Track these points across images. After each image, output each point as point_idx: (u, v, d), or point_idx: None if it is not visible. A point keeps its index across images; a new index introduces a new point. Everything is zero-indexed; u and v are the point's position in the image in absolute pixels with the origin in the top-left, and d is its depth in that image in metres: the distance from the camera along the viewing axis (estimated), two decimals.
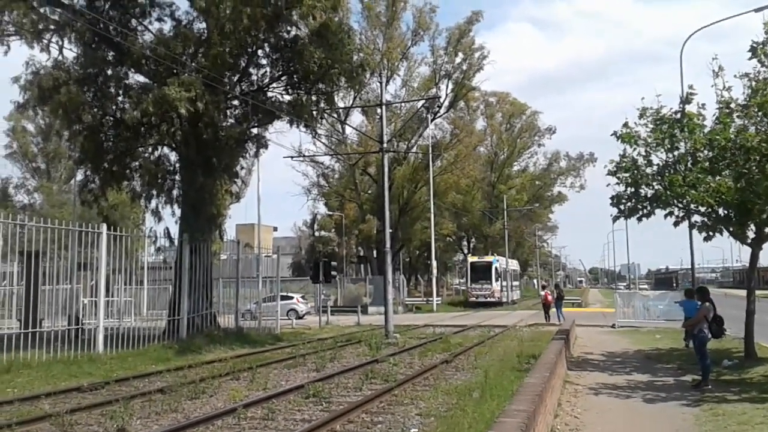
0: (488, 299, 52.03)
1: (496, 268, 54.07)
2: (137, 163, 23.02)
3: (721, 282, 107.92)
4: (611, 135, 15.40)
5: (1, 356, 14.38)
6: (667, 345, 18.97)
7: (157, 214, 23.67)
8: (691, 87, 15.35)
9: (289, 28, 22.50)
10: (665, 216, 15.44)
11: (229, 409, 9.97)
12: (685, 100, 15.39)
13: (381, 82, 30.95)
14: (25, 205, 55.41)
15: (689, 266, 26.98)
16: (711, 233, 14.94)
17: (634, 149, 15.26)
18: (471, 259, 58.57)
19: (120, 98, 21.74)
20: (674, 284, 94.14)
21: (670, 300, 25.61)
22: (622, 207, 15.64)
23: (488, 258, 56.88)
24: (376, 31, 52.16)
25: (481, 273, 53.56)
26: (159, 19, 22.59)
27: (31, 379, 13.50)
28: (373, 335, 22.81)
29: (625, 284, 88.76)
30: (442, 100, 53.61)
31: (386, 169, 26.31)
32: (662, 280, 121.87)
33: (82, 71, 20.96)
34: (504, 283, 57.61)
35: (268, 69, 23.63)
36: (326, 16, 21.27)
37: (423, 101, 47.81)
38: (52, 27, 20.72)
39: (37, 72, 20.73)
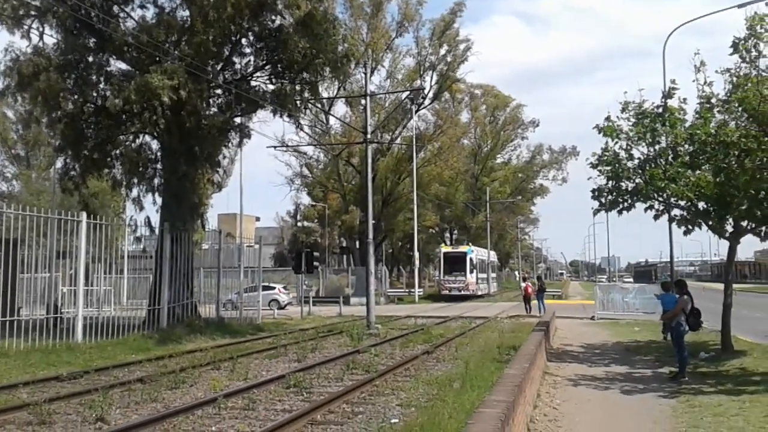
0: (462, 292, 49.23)
1: (470, 259, 50.55)
2: (118, 151, 22.77)
3: (700, 275, 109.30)
4: (593, 128, 15.50)
5: None
6: (646, 337, 19.18)
7: (138, 203, 23.44)
8: (673, 82, 15.48)
9: (273, 17, 22.34)
10: (645, 209, 15.56)
11: (210, 399, 9.95)
12: (667, 94, 15.51)
13: (365, 73, 30.82)
14: (2, 192, 54.67)
15: (668, 259, 27.24)
16: (690, 227, 15.09)
17: (616, 143, 15.36)
18: (444, 249, 54.11)
19: (101, 85, 21.46)
20: (653, 277, 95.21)
21: (649, 292, 25.87)
22: (602, 200, 15.76)
23: (462, 248, 53.71)
24: (360, 21, 51.95)
25: (455, 264, 50.04)
26: (141, 6, 22.31)
27: (9, 368, 13.37)
28: (355, 326, 22.87)
29: (605, 277, 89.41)
30: (426, 91, 53.71)
31: (369, 160, 26.29)
32: (642, 273, 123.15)
33: (62, 58, 20.64)
34: (480, 275, 54.42)
35: (251, 58, 23.48)
36: (311, 6, 21.14)
37: (407, 93, 47.70)
38: (33, 13, 20.39)
39: (16, 58, 20.38)
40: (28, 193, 49.27)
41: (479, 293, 52.28)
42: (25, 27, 20.33)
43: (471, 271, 50.22)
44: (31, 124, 24.25)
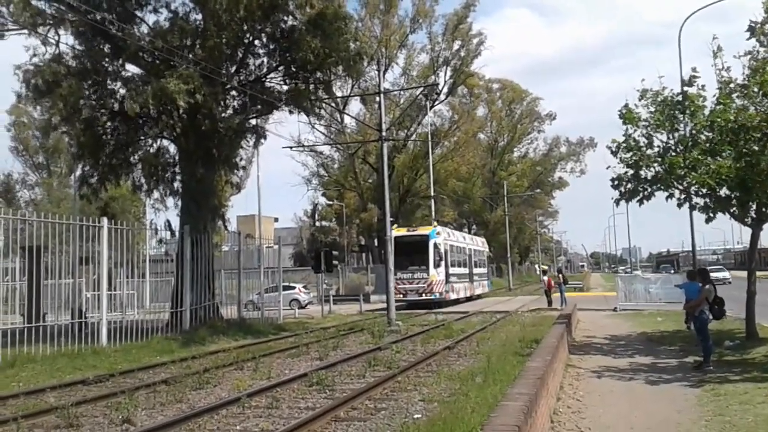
0: (423, 296, 33.04)
1: (435, 246, 33.66)
2: (137, 156, 23.02)
3: (723, 264, 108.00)
4: (617, 112, 15.38)
5: (5, 351, 14.42)
6: (670, 327, 19.00)
7: (158, 207, 23.72)
8: (694, 69, 15.29)
9: (285, 18, 22.40)
10: (666, 198, 15.44)
11: (234, 399, 10.02)
12: (688, 82, 15.33)
13: (379, 71, 30.84)
14: (26, 200, 55.54)
15: (690, 249, 26.97)
16: (712, 214, 14.94)
17: (635, 130, 15.25)
18: (396, 231, 32.27)
19: (118, 91, 21.68)
20: (675, 267, 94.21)
21: (669, 281, 25.63)
22: (623, 189, 15.64)
23: (423, 230, 36.13)
24: (374, 19, 51.98)
25: (411, 254, 33.14)
26: (155, 11, 22.52)
27: (36, 373, 13.55)
28: (376, 323, 22.88)
29: (624, 268, 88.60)
30: (440, 87, 53.58)
31: (385, 158, 26.28)
32: (663, 263, 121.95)
33: (79, 65, 20.89)
34: (455, 271, 37.20)
35: (265, 59, 23.56)
36: (322, 5, 21.17)
37: (421, 89, 47.55)
38: (49, 21, 20.63)
39: (38, 64, 20.59)
40: (49, 201, 49.94)
41: (452, 297, 35.77)
42: (42, 35, 20.55)
43: (437, 265, 33.53)
44: (51, 131, 24.57)
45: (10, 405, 10.42)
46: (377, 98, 29.55)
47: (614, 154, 15.43)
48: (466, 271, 40.28)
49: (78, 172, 25.13)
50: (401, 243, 31.91)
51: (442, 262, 33.89)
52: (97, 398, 10.64)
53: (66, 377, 13.14)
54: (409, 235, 34.58)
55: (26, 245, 17.85)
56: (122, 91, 21.41)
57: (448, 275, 34.66)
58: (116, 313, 21.00)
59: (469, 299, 39.39)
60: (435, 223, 36.83)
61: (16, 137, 57.37)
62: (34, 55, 20.57)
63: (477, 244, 46.45)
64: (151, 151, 23.29)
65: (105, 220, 17.68)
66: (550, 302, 29.98)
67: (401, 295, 32.09)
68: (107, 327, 17.19)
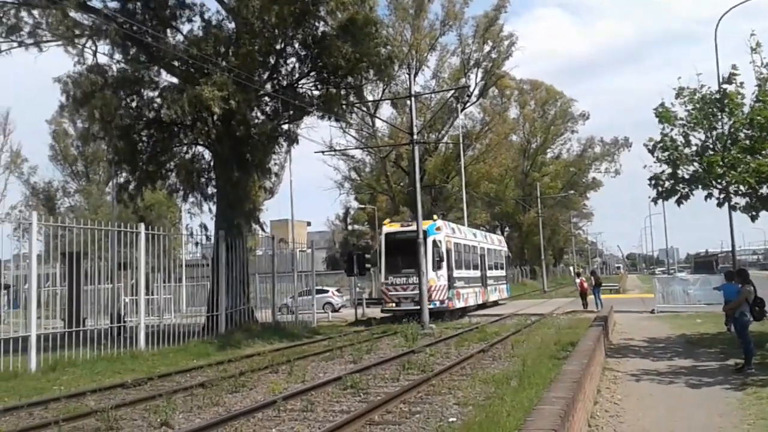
0: (419, 304, 24.59)
1: (435, 244, 27.86)
2: (173, 163, 23.40)
3: (764, 264, 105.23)
4: (653, 110, 15.18)
5: (47, 355, 14.75)
6: (709, 329, 18.61)
7: (193, 212, 24.08)
8: (734, 67, 14.98)
9: (316, 24, 22.57)
10: (705, 198, 15.17)
11: (269, 402, 10.11)
12: (727, 79, 15.03)
13: (409, 74, 30.88)
14: (66, 208, 56.91)
15: (729, 249, 26.39)
16: (756, 213, 14.61)
17: (671, 129, 15.03)
18: (387, 227, 29.75)
19: (154, 99, 22.08)
20: (714, 268, 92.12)
21: (709, 282, 25.09)
22: (660, 188, 15.40)
23: (420, 224, 25.74)
24: (404, 23, 51.99)
25: (406, 254, 26.89)
26: (189, 20, 22.89)
27: (77, 376, 13.82)
28: (409, 326, 22.84)
29: (662, 269, 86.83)
30: (471, 89, 53.29)
31: (417, 161, 26.25)
32: (702, 263, 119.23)
33: (116, 74, 21.35)
34: (461, 273, 30.55)
35: (296, 65, 23.79)
36: (352, 11, 21.28)
37: (452, 91, 47.30)
38: (86, 32, 21.09)
39: (76, 75, 21.07)
40: (87, 208, 51.04)
41: (458, 305, 29.61)
42: (80, 46, 21.03)
43: (437, 266, 27.81)
44: (90, 140, 25.11)
45: (52, 408, 10.67)
46: (408, 102, 29.55)
47: (651, 152, 15.23)
48: (477, 274, 34.05)
49: (116, 179, 25.65)
50: (394, 241, 28.52)
51: (444, 264, 28.12)
52: (135, 401, 10.83)
53: (105, 381, 13.39)
54: (402, 231, 28.47)
55: (66, 251, 18.24)
56: (158, 100, 21.83)
57: (451, 279, 28.75)
58: (154, 317, 21.33)
59: (482, 306, 34.07)
60: (435, 216, 30.46)
61: (56, 146, 58.85)
62: (73, 65, 21.09)
63: (492, 242, 40.21)
64: (187, 157, 23.65)
65: (142, 226, 17.98)
66: (585, 305, 29.59)
67: (393, 304, 27.62)
68: (145, 331, 17.47)
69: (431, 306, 25.54)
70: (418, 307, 24.78)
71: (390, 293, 27.65)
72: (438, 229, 28.43)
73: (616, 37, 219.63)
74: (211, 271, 22.11)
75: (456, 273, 29.47)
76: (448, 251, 28.81)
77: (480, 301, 33.76)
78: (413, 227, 26.38)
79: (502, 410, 8.09)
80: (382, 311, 28.84)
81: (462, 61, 54.29)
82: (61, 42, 20.61)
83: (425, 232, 26.47)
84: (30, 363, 14.08)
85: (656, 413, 8.99)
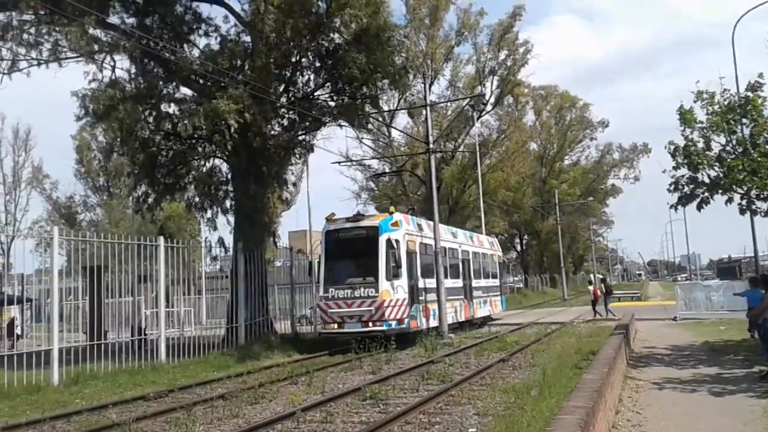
0: (370, 325, 20.12)
1: (390, 243, 20.92)
2: (191, 176, 23.60)
3: None
4: (676, 112, 15.12)
5: (69, 368, 14.91)
6: (733, 336, 18.35)
7: (212, 225, 24.22)
8: (760, 75, 14.80)
9: (331, 36, 22.70)
10: (726, 203, 15.00)
11: (289, 413, 10.13)
12: (752, 87, 14.87)
13: (425, 83, 30.90)
14: (87, 222, 57.59)
15: (752, 254, 26.01)
16: None
17: (692, 132, 14.93)
18: (329, 224, 22.15)
19: (173, 113, 22.29)
20: (738, 273, 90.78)
21: (732, 288, 24.75)
22: (680, 193, 15.27)
23: (371, 220, 22.09)
24: (419, 33, 52.07)
25: (351, 258, 21.73)
26: (206, 34, 23.13)
27: (98, 389, 13.96)
28: (428, 336, 22.76)
29: (684, 275, 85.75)
30: (487, 97, 53.20)
31: (433, 170, 26.26)
32: (725, 269, 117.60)
33: (135, 89, 21.61)
34: (427, 284, 22.91)
35: (312, 76, 23.88)
36: (366, 21, 21.38)
37: (468, 100, 47.23)
38: (105, 48, 21.38)
39: (95, 90, 21.32)
40: (108, 222, 51.63)
41: (424, 325, 22.52)
42: (98, 61, 21.30)
43: (393, 274, 20.79)
44: (111, 154, 25.41)
45: (74, 421, 10.76)
46: (424, 111, 29.60)
47: (673, 156, 15.12)
48: (457, 283, 26.75)
49: (136, 192, 25.92)
50: (337, 241, 21.69)
51: (403, 270, 21.01)
52: (157, 414, 10.90)
53: (127, 393, 13.49)
54: (348, 229, 21.78)
55: (87, 265, 18.45)
56: (176, 113, 22.04)
57: (415, 290, 21.81)
58: (174, 329, 21.47)
59: (467, 323, 27.20)
60: (392, 209, 23.20)
61: (79, 161, 59.63)
62: (92, 80, 21.37)
63: (479, 244, 32.22)
64: (204, 170, 23.83)
65: (162, 239, 18.14)
66: (596, 313, 29.83)
67: (335, 325, 20.60)
68: (166, 343, 17.59)
69: (384, 327, 19.97)
70: (367, 329, 20.05)
71: (330, 311, 20.66)
72: (395, 224, 21.38)
73: (632, 43, 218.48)
74: (230, 283, 22.21)
75: (422, 283, 22.53)
76: (411, 254, 21.97)
77: (462, 318, 26.64)
78: (364, 222, 21.75)
79: (522, 420, 8.03)
80: (320, 335, 22.11)
81: (477, 69, 54.20)
82: (81, 58, 20.89)
83: (376, 228, 21.06)
84: (53, 376, 14.23)
85: (679, 422, 8.87)
